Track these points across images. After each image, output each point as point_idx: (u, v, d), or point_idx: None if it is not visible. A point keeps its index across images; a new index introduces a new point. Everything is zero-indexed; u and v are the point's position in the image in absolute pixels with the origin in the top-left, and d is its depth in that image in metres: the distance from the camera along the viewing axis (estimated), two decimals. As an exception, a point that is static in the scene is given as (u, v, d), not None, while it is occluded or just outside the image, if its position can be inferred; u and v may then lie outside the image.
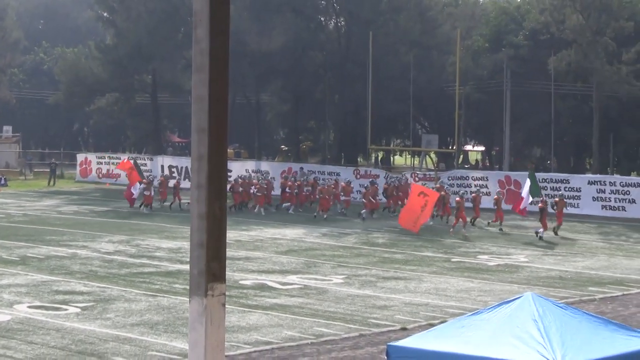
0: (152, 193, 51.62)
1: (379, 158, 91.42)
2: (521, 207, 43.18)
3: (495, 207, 44.86)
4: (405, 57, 70.28)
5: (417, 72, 69.17)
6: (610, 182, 50.28)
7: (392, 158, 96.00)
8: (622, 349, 13.73)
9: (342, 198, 50.84)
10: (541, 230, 41.13)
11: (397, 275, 31.12)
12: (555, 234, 42.29)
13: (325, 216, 47.90)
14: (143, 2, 72.14)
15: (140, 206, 51.04)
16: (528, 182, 43.60)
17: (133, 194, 51.76)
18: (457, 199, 44.50)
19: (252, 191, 50.90)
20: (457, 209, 43.60)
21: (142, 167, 67.93)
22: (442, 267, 33.29)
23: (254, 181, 52.50)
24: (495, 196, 46.04)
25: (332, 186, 50.77)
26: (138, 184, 51.68)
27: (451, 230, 42.78)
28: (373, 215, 48.52)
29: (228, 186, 49.24)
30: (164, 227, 43.47)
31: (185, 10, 70.82)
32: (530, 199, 43.53)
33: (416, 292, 28.23)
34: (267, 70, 71.85)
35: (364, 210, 48.13)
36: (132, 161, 56.60)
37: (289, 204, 51.45)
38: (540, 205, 42.45)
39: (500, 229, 44.03)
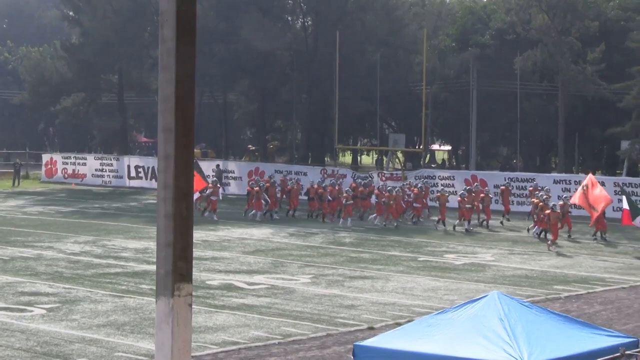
0: (220, 197, 48.54)
1: (383, 159, 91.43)
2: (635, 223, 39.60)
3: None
4: (372, 56, 70.38)
5: (384, 71, 69.29)
6: (575, 181, 50.54)
7: (359, 158, 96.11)
8: (587, 347, 13.82)
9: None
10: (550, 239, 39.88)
11: (364, 275, 31.16)
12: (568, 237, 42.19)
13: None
14: (109, 1, 71.77)
15: (203, 213, 46.99)
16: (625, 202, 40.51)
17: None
18: (458, 198, 44.97)
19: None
20: (458, 208, 44.38)
21: (108, 167, 67.75)
22: (408, 266, 33.36)
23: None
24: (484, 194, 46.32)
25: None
26: (198, 192, 46.42)
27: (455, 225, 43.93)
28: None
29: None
30: (130, 228, 43.28)
31: (151, 10, 70.56)
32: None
33: (383, 291, 28.28)
34: (235, 70, 71.70)
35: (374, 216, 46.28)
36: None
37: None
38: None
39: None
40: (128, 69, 74.88)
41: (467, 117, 67.56)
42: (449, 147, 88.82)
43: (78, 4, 74.43)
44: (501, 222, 46.44)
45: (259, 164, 65.23)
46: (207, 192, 47.23)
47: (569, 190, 48.83)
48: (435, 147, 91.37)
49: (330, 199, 47.04)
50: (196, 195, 45.86)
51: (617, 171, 63.30)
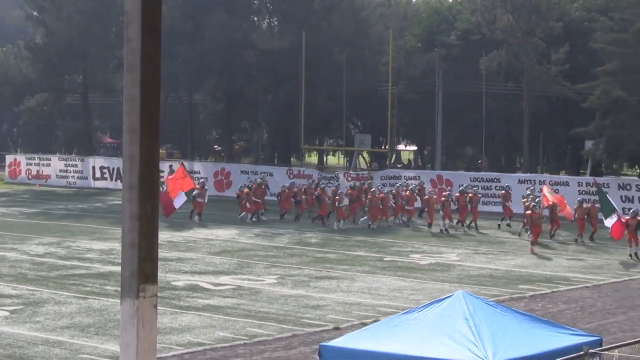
0: (206, 200, 46.74)
1: (360, 160, 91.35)
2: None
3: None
4: (338, 57, 70.46)
5: (350, 72, 69.37)
6: (540, 181, 50.87)
7: (325, 158, 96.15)
8: (551, 346, 13.91)
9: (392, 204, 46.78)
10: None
11: (330, 275, 31.18)
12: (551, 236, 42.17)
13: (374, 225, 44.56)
14: (74, 1, 71.38)
15: (191, 216, 46.13)
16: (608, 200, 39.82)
17: (174, 204, 44.38)
18: (442, 198, 44.65)
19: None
20: (442, 208, 44.07)
21: (73, 168, 67.39)
22: (374, 266, 33.42)
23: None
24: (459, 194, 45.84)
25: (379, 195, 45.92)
26: (183, 194, 44.58)
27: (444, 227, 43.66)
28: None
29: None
30: (95, 229, 43.06)
31: (116, 10, 70.23)
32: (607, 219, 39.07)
33: (349, 291, 28.31)
34: (200, 70, 71.52)
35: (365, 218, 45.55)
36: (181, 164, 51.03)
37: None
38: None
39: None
40: (93, 69, 74.53)
41: (432, 118, 67.77)
42: (414, 148, 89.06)
43: (42, 4, 74.00)
44: (498, 225, 45.47)
45: (225, 164, 65.09)
46: (194, 192, 46.14)
47: (534, 190, 49.09)
48: (401, 147, 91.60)
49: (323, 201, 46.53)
50: (183, 199, 44.28)
51: (581, 171, 63.70)
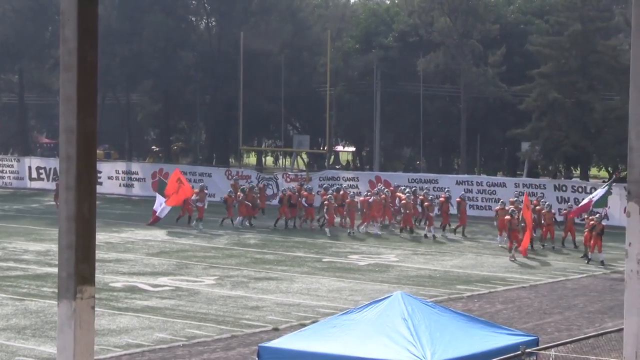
0: (206, 205, 44.82)
1: (299, 161, 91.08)
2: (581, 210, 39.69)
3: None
4: (276, 58, 70.41)
5: (288, 72, 69.33)
6: (477, 182, 51.32)
7: (263, 159, 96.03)
8: (489, 346, 14.04)
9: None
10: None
11: (269, 276, 31.16)
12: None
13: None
14: (9, 1, 70.56)
15: (189, 222, 44.64)
16: (600, 192, 40.10)
17: (157, 211, 44.57)
18: (426, 203, 43.40)
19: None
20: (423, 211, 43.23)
21: (9, 169, 66.55)
22: (313, 267, 33.46)
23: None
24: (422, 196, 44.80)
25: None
26: (161, 201, 44.31)
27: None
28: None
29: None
30: (31, 230, 42.58)
31: (52, 9, 69.54)
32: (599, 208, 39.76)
33: (288, 292, 28.32)
34: (138, 70, 71.05)
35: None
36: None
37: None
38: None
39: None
40: (29, 68, 73.73)
41: (371, 119, 67.99)
42: (353, 149, 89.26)
43: (-23, 3, 73.03)
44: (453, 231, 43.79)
45: (163, 165, 64.75)
46: (193, 197, 44.89)
47: (471, 191, 49.51)
48: (339, 148, 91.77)
49: (307, 205, 45.17)
50: (167, 209, 43.97)
51: (518, 172, 64.34)
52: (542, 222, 39.72)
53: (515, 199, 43.29)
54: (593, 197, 39.77)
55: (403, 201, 43.85)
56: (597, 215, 36.95)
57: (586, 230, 36.14)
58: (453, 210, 44.19)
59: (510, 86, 59.47)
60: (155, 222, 44.63)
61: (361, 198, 44.88)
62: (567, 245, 39.64)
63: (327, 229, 43.04)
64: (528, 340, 14.75)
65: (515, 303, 27.56)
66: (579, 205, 41.30)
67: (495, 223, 41.60)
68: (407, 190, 46.06)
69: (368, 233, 43.23)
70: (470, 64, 61.61)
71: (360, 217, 43.89)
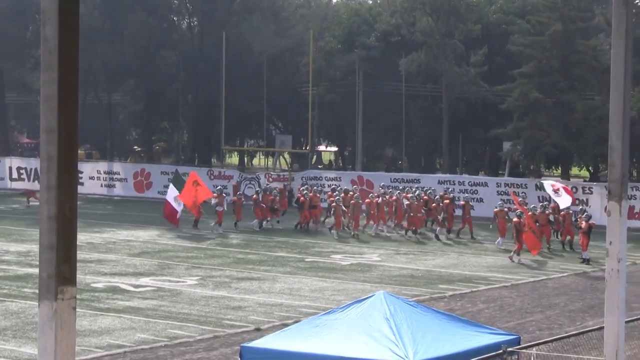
0: (225, 208, 43.62)
1: (280, 161, 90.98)
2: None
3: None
4: (258, 57, 70.37)
5: (270, 72, 69.30)
6: (459, 182, 51.41)
7: (245, 159, 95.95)
8: (471, 345, 14.07)
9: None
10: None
11: (251, 276, 31.14)
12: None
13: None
14: (-11, 0, 70.38)
15: (195, 225, 43.46)
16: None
17: (177, 212, 43.15)
18: (433, 204, 42.96)
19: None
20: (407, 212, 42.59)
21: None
22: (296, 267, 33.46)
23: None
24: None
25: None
26: (178, 203, 42.89)
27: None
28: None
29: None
30: (12, 230, 42.42)
31: (33, 8, 69.32)
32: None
33: (270, 292, 28.31)
34: (119, 70, 70.87)
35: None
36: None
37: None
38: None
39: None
40: (9, 68, 73.46)
41: (353, 119, 68.02)
42: (335, 148, 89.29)
43: (-43, 2, 72.71)
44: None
45: (145, 165, 64.61)
46: (212, 202, 44.29)
47: (453, 191, 49.57)
48: (321, 148, 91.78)
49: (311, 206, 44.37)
50: (180, 206, 42.94)
51: (500, 172, 64.48)
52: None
53: (521, 199, 42.66)
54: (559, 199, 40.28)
55: (407, 202, 43.10)
56: (585, 215, 37.03)
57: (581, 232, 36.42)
58: (457, 211, 43.64)
59: (492, 86, 59.63)
60: (174, 219, 42.91)
61: (367, 200, 44.34)
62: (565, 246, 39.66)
63: (334, 231, 42.35)
64: (510, 339, 14.79)
65: (497, 302, 27.63)
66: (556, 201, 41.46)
67: (490, 226, 41.63)
68: (417, 191, 45.27)
69: (377, 234, 42.82)
70: (452, 64, 61.73)
71: (364, 218, 43.44)
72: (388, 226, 44.07)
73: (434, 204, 43.35)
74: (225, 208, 43.69)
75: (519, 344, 14.87)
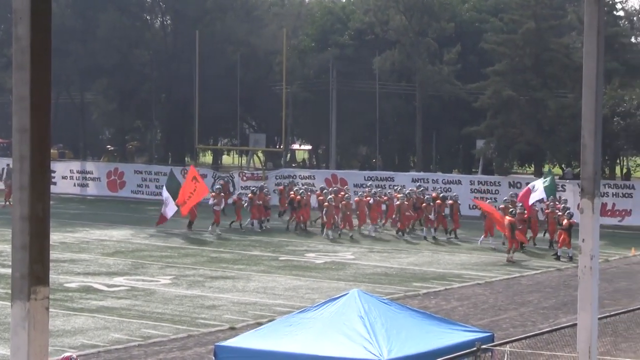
0: (222, 207, 43.52)
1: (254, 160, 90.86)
2: (530, 202, 40.34)
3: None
4: (232, 56, 70.25)
5: (244, 71, 69.21)
6: (433, 180, 51.57)
7: (220, 158, 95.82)
8: (445, 342, 14.12)
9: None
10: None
11: (226, 275, 31.11)
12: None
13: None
14: (-40, -2, 69.86)
15: (189, 226, 42.72)
16: (542, 181, 41.43)
17: (167, 218, 42.48)
18: (424, 204, 42.82)
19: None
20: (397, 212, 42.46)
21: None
22: (270, 265, 33.46)
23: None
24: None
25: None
26: (174, 205, 41.92)
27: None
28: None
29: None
30: (-16, 230, 42.19)
31: (5, 7, 68.90)
32: (544, 195, 40.91)
33: (244, 291, 28.29)
34: (92, 69, 70.57)
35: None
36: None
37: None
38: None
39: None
40: (-19, 67, 72.89)
41: (327, 117, 68.05)
42: (309, 147, 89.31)
43: None
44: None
45: (118, 164, 64.43)
46: (211, 201, 43.78)
47: (427, 189, 49.69)
48: (295, 146, 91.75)
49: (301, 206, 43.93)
50: (174, 209, 42.06)
51: (473, 170, 64.71)
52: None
53: (510, 198, 42.23)
54: (533, 188, 40.74)
55: (397, 202, 42.96)
56: (568, 213, 37.08)
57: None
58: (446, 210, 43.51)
59: (465, 84, 59.79)
60: (163, 222, 42.57)
61: (356, 198, 44.26)
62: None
63: (329, 232, 41.99)
64: (483, 336, 14.84)
65: (470, 300, 27.73)
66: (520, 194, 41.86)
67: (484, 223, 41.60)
68: (408, 190, 45.16)
69: (375, 235, 42.53)
70: (425, 62, 61.87)
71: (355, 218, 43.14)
72: (378, 226, 43.95)
73: (423, 204, 43.13)
74: (222, 207, 43.43)
75: (493, 341, 14.92)
